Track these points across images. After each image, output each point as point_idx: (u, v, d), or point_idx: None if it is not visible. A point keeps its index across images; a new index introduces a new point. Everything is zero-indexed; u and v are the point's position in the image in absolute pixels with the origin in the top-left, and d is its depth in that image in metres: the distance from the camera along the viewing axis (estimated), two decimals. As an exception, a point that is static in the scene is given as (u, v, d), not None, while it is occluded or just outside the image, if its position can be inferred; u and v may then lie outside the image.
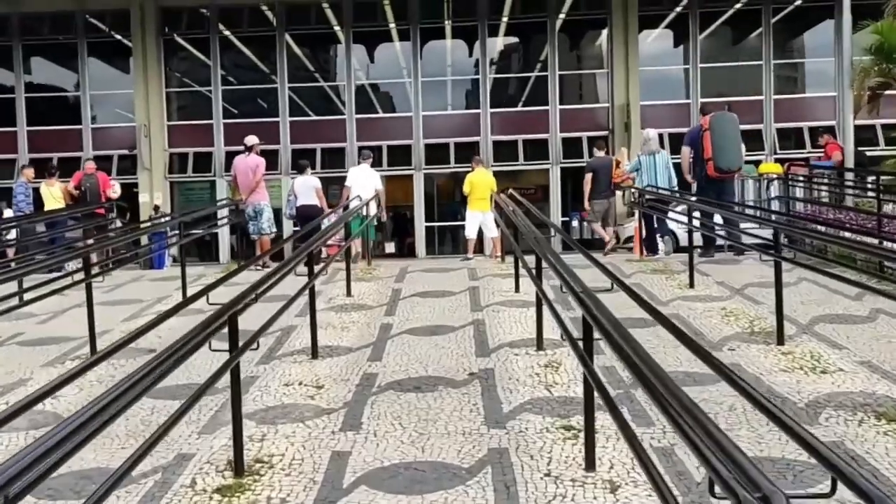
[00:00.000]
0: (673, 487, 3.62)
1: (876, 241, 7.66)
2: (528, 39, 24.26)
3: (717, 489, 2.14)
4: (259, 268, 9.68)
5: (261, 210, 11.50)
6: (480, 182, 13.52)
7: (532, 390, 5.36)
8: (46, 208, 12.34)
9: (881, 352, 6.03)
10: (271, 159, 22.23)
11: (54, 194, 12.63)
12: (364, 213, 11.41)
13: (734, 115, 10.91)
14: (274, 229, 11.66)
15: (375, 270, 10.70)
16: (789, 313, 6.73)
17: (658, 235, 11.53)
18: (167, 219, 13.11)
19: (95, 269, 7.42)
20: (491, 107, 22.71)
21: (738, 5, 22.72)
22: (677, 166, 11.72)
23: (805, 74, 24.38)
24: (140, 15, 22.33)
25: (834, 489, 2.24)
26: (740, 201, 11.96)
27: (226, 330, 4.21)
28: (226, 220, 12.35)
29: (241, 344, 4.19)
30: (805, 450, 2.37)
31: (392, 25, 23.23)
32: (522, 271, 8.19)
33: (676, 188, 11.52)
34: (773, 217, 7.78)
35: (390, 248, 23.20)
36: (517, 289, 8.61)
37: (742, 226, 9.29)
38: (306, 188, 12.86)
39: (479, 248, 14.88)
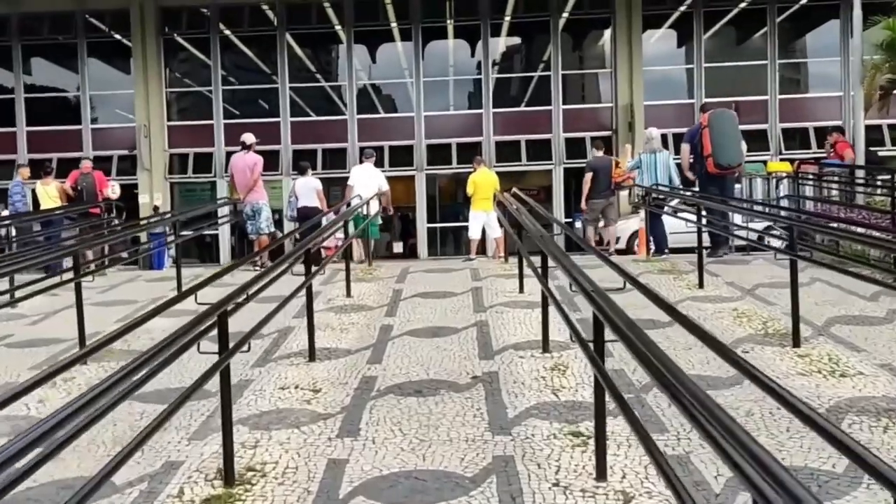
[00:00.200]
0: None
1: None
2: (530, 39, 24.04)
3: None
4: (258, 268, 9.45)
5: (259, 209, 11.27)
6: (484, 182, 13.33)
7: (538, 394, 5.12)
8: (42, 208, 12.12)
9: (902, 354, 5.79)
10: (272, 160, 22.10)
11: (50, 194, 12.41)
12: (364, 212, 11.18)
13: (733, 113, 10.91)
14: (272, 229, 11.43)
15: (376, 271, 10.47)
16: (804, 314, 6.49)
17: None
18: (160, 219, 12.82)
19: (87, 269, 7.18)
20: (493, 107, 22.50)
21: (742, 4, 22.49)
22: (678, 165, 11.65)
23: (810, 74, 24.14)
24: (140, 14, 22.16)
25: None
26: (749, 199, 11.75)
27: (216, 331, 4.01)
28: (223, 220, 12.13)
29: (231, 346, 3.96)
30: (861, 466, 2.10)
31: (394, 25, 23.03)
32: (527, 271, 7.98)
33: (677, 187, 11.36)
34: (785, 214, 7.51)
35: (398, 247, 22.93)
36: (521, 289, 8.39)
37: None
38: (307, 189, 12.81)
39: (482, 248, 14.66)
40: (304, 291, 6.25)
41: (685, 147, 11.10)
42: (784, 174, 12.16)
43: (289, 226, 16.91)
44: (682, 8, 22.61)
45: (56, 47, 23.32)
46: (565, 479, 3.91)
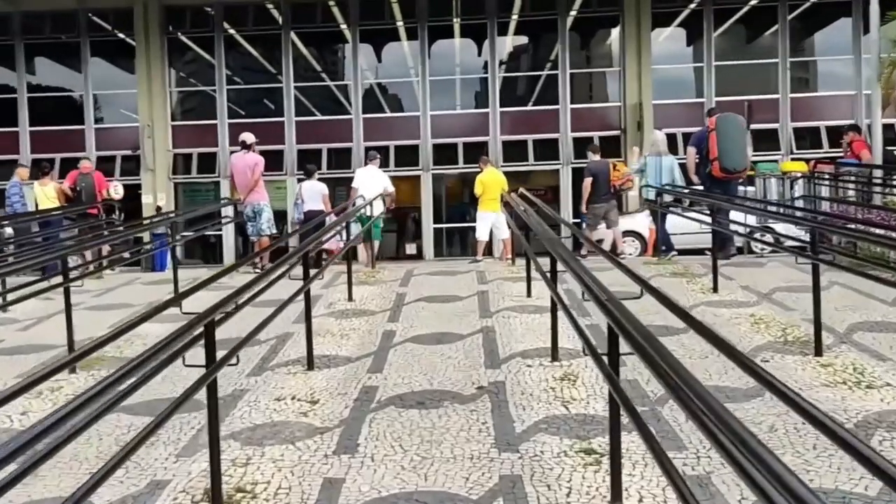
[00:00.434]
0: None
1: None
2: (538, 37, 23.72)
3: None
4: (258, 270, 9.18)
5: (260, 210, 11.01)
6: (492, 182, 13.07)
7: (547, 407, 4.85)
8: (40, 209, 11.90)
9: (930, 364, 5.50)
10: (277, 160, 21.87)
11: (48, 194, 12.20)
12: (368, 213, 10.93)
13: (740, 117, 10.92)
14: (274, 230, 11.17)
15: (379, 273, 10.21)
16: (824, 320, 6.19)
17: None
18: (157, 219, 12.58)
19: (76, 273, 6.93)
20: (500, 106, 22.20)
21: (753, 2, 22.14)
22: (683, 167, 11.58)
23: (822, 73, 23.77)
24: (143, 13, 21.93)
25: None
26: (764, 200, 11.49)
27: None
28: (222, 221, 11.89)
29: (219, 357, 3.70)
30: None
31: (400, 23, 22.75)
32: (534, 274, 7.72)
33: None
34: (807, 216, 7.22)
35: (412, 249, 22.61)
36: (529, 293, 8.11)
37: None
38: (313, 193, 12.74)
39: (488, 250, 14.40)
40: (302, 296, 5.98)
41: (691, 150, 11.05)
42: (799, 174, 11.85)
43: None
44: (692, 5, 22.26)
45: (59, 46, 23.10)
46: (578, 501, 3.64)
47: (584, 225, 12.78)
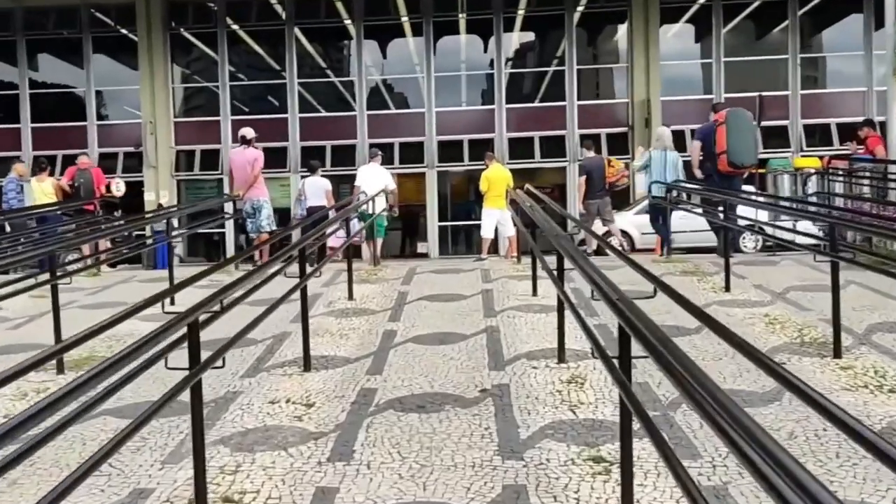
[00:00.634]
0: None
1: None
2: (544, 33, 23.45)
3: None
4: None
5: (259, 206, 10.78)
6: (497, 178, 12.86)
7: (554, 411, 4.62)
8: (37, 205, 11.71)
9: (955, 367, 5.25)
10: (280, 156, 21.68)
11: (45, 190, 12.00)
12: (370, 210, 10.72)
13: (749, 113, 10.84)
14: (274, 227, 10.94)
15: (381, 271, 9.98)
16: (842, 321, 5.94)
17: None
18: (152, 216, 12.36)
19: (69, 270, 6.71)
20: (506, 102, 21.95)
21: (762, -3, 21.86)
22: (686, 163, 11.50)
23: (832, 69, 23.44)
24: (146, 9, 21.73)
25: None
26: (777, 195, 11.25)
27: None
28: (221, 219, 11.67)
29: (203, 359, 3.47)
30: None
31: (405, 19, 22.51)
32: (540, 272, 7.48)
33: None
34: (826, 212, 6.96)
35: (423, 248, 22.33)
36: (535, 292, 7.88)
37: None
38: (316, 189, 12.61)
39: (494, 248, 14.16)
40: (299, 294, 5.76)
41: (696, 144, 10.87)
42: (812, 170, 11.59)
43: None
44: (701, 1, 21.97)
45: (61, 42, 22.94)
46: (586, 514, 3.40)
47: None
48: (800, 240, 8.96)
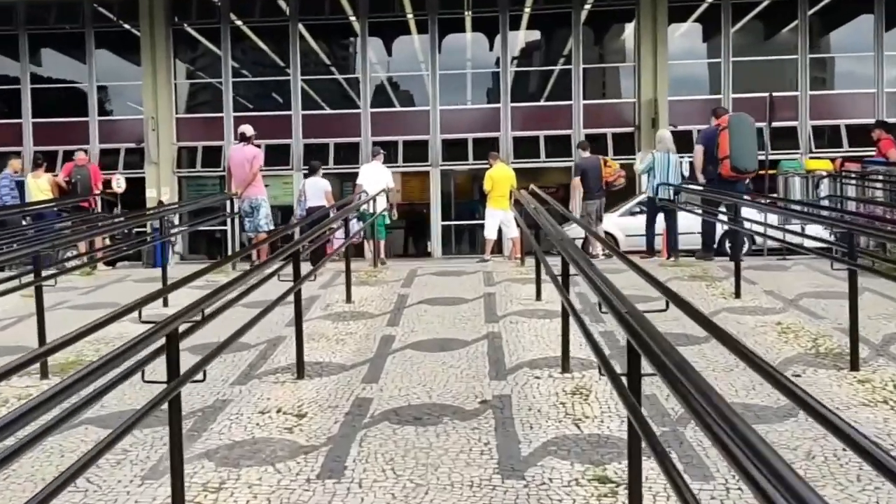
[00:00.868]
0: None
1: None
2: (551, 31, 23.19)
3: None
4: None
5: (258, 205, 10.57)
6: (501, 178, 12.64)
7: (557, 425, 4.39)
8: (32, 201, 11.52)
9: (979, 381, 5.00)
10: (283, 154, 21.47)
11: (41, 187, 11.80)
12: (371, 210, 10.51)
13: (751, 118, 10.77)
14: (272, 226, 10.73)
15: (381, 273, 9.75)
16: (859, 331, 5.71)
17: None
18: (146, 215, 12.15)
19: (48, 271, 6.50)
20: (511, 101, 21.70)
21: (772, -4, 21.58)
22: (690, 165, 11.39)
23: (840, 71, 23.16)
24: (149, 3, 21.51)
25: None
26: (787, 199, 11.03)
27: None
28: (218, 217, 11.47)
29: (182, 372, 3.25)
30: None
31: (410, 16, 22.27)
32: (544, 276, 7.27)
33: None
34: (844, 217, 6.72)
35: (429, 247, 22.07)
36: (538, 296, 7.65)
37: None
38: (316, 190, 12.44)
39: (497, 248, 13.95)
40: (291, 297, 5.54)
41: (699, 148, 10.77)
42: (824, 172, 11.34)
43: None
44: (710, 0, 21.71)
45: (63, 37, 22.75)
46: (590, 542, 3.18)
47: None
48: (808, 243, 8.73)
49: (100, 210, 11.44)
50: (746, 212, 8.57)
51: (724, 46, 21.63)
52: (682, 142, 15.00)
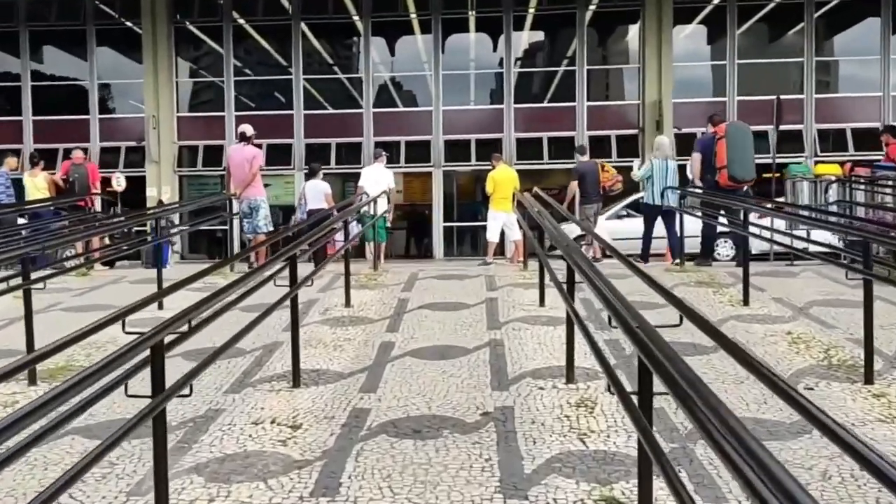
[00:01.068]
0: None
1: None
2: (555, 32, 23.01)
3: None
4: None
5: (257, 206, 10.40)
6: (504, 179, 12.48)
7: (561, 440, 4.22)
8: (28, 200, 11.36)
9: None
10: (285, 154, 21.31)
11: (38, 185, 11.65)
12: (371, 212, 10.35)
13: (748, 126, 10.73)
14: (271, 228, 10.57)
15: (381, 276, 9.59)
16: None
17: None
18: (141, 214, 11.97)
19: (37, 274, 6.34)
20: (515, 102, 21.53)
21: (778, -1, 21.40)
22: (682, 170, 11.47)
23: (847, 73, 22.96)
24: (150, 1, 21.36)
25: None
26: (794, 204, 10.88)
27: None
28: (215, 218, 11.30)
29: (168, 385, 3.09)
30: None
31: (413, 16, 22.10)
32: (548, 281, 7.10)
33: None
34: (860, 225, 6.54)
35: (438, 251, 21.83)
36: (542, 302, 7.47)
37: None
38: (316, 192, 12.34)
39: (499, 250, 13.78)
40: (287, 303, 5.37)
41: (696, 157, 10.70)
42: (833, 177, 11.17)
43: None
44: (715, 1, 21.52)
45: (64, 34, 22.58)
46: (597, 569, 3.01)
47: None
48: (813, 248, 8.58)
49: (97, 209, 11.23)
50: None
51: (729, 48, 21.45)
52: (686, 144, 14.84)
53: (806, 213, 8.89)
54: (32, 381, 5.43)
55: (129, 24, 22.01)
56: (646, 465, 2.98)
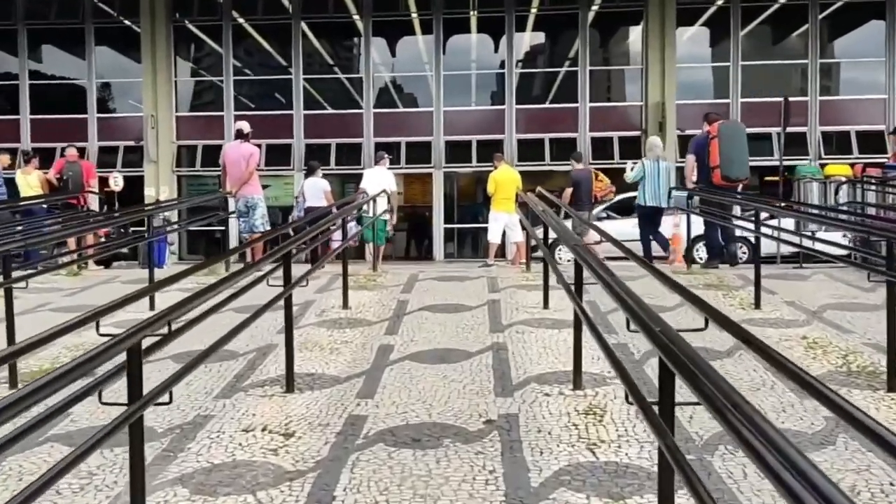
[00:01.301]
0: None
1: None
2: (557, 33, 22.80)
3: None
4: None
5: (254, 205, 10.17)
6: (505, 180, 12.27)
7: (570, 450, 3.98)
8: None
9: None
10: (284, 154, 21.09)
11: (31, 183, 11.43)
12: (370, 212, 10.11)
13: (742, 125, 10.70)
14: (268, 227, 10.34)
15: (380, 277, 9.34)
16: (886, 346, 5.29)
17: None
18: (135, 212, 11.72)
19: (18, 273, 6.10)
20: (517, 103, 21.31)
21: (782, 0, 21.16)
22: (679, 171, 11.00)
23: (848, 76, 22.75)
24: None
25: None
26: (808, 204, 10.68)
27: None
28: (210, 217, 11.07)
29: (146, 392, 2.85)
30: None
31: (414, 16, 21.88)
32: (553, 283, 6.86)
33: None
34: (878, 225, 6.30)
35: (438, 252, 21.57)
36: (546, 304, 7.24)
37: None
38: (315, 190, 12.18)
39: (500, 252, 13.54)
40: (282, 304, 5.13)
41: (690, 157, 10.57)
42: (843, 178, 10.94)
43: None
44: (719, 2, 21.31)
45: (63, 32, 22.38)
46: None
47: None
48: (819, 247, 8.35)
49: (90, 207, 11.00)
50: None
51: (732, 50, 21.25)
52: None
53: (823, 214, 8.63)
54: (14, 384, 5.18)
55: (127, 22, 21.81)
56: (667, 479, 2.74)
